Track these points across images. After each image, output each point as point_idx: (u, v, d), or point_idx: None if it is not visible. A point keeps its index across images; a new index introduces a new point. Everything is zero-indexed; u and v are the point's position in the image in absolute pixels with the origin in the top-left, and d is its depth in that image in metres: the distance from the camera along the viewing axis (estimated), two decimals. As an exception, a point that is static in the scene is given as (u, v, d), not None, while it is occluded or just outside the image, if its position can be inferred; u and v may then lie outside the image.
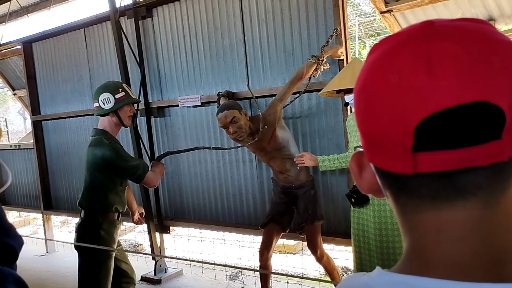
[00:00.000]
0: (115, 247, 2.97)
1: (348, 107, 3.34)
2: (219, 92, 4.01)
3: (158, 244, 4.79)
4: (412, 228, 0.48)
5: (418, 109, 0.42)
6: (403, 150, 0.44)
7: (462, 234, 0.45)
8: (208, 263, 4.30)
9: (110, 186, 2.89)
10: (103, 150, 2.80)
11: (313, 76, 3.39)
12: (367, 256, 2.81)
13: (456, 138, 0.42)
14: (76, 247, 2.90)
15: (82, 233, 2.89)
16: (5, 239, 0.76)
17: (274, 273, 3.76)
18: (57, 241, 5.81)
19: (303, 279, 4.20)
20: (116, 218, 2.96)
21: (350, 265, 4.41)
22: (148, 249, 5.91)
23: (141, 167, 2.91)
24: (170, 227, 4.87)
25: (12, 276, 0.62)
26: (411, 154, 0.43)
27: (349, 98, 2.85)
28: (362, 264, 2.86)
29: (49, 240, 5.91)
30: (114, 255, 2.95)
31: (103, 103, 2.89)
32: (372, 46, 0.51)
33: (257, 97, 3.74)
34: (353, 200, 2.80)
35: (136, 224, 3.60)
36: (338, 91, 3.05)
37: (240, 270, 4.70)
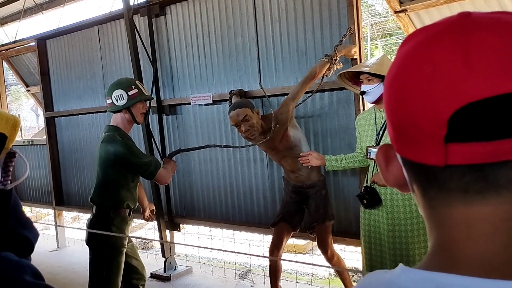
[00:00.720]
0: (126, 244, 2.99)
1: (361, 102, 3.33)
2: (231, 91, 4.00)
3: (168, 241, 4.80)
4: (440, 223, 0.47)
5: (452, 99, 0.41)
6: (435, 141, 0.43)
7: (493, 229, 0.43)
8: (224, 250, 4.29)
9: (122, 182, 2.91)
10: (115, 147, 2.81)
11: (326, 76, 3.37)
12: (379, 258, 2.79)
13: (490, 129, 0.41)
14: (88, 243, 2.92)
15: (93, 228, 2.90)
16: (21, 231, 0.76)
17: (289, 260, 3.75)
18: (68, 227, 5.85)
19: (312, 279, 4.18)
20: (127, 214, 2.97)
21: (360, 266, 4.39)
22: (157, 246, 5.93)
23: (153, 164, 2.91)
24: (180, 225, 4.87)
25: (29, 268, 0.62)
26: (443, 145, 0.42)
27: (367, 87, 2.79)
28: (373, 266, 2.83)
29: (61, 234, 5.96)
30: (125, 251, 2.96)
31: (116, 100, 2.90)
32: (404, 38, 0.51)
33: (269, 96, 3.73)
34: (365, 201, 2.78)
35: (147, 221, 3.61)
36: (354, 82, 3.03)
37: (250, 269, 4.70)
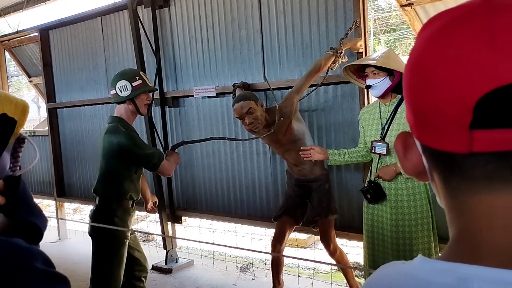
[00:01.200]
0: (129, 235, 2.98)
1: (366, 96, 3.31)
2: (235, 83, 3.99)
3: (170, 235, 4.79)
4: (462, 212, 0.46)
5: (478, 84, 0.39)
6: (459, 128, 0.41)
7: None
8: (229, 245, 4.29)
9: (125, 173, 2.90)
10: (119, 138, 2.80)
11: (331, 69, 3.34)
12: (381, 253, 2.78)
13: None
14: (91, 234, 2.91)
15: (96, 220, 2.89)
16: (30, 218, 0.75)
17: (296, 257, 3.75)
18: (70, 220, 5.86)
19: (314, 273, 4.18)
20: (130, 206, 2.96)
21: (362, 260, 4.39)
22: (158, 239, 5.93)
23: (157, 156, 2.90)
24: (182, 218, 4.87)
25: (40, 255, 0.61)
26: (467, 132, 0.41)
27: (373, 81, 2.75)
28: (375, 261, 2.82)
29: (62, 225, 5.96)
30: (127, 242, 2.95)
31: (120, 91, 2.88)
32: (425, 22, 0.49)
33: (273, 89, 3.71)
34: (369, 196, 2.76)
35: (149, 212, 3.60)
36: (359, 76, 3.00)
37: (251, 262, 4.70)
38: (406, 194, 2.69)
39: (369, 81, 2.78)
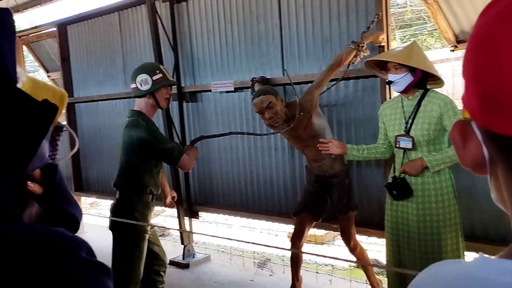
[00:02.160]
0: (149, 229, 2.97)
1: (387, 91, 3.26)
2: (253, 78, 3.95)
3: (187, 229, 4.79)
4: None
5: None
6: None
7: None
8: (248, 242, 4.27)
9: (145, 168, 2.88)
10: (139, 132, 2.79)
11: (352, 63, 3.29)
12: (407, 251, 2.72)
13: None
14: (111, 228, 2.91)
15: (116, 214, 2.89)
16: (67, 207, 0.73)
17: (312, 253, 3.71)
18: (90, 214, 5.88)
19: (332, 270, 4.15)
20: (150, 200, 2.96)
21: (381, 257, 4.34)
22: (174, 234, 5.94)
23: (177, 150, 2.89)
24: (199, 213, 4.86)
25: (84, 244, 0.59)
26: None
27: (394, 77, 2.69)
28: (401, 259, 2.77)
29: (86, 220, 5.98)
30: (147, 237, 2.94)
31: (140, 84, 2.87)
32: (491, 1, 0.46)
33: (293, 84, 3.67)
34: (394, 192, 2.70)
35: (168, 207, 3.60)
36: (381, 69, 2.95)
37: (268, 258, 4.68)
38: (433, 188, 2.63)
39: (390, 77, 2.71)
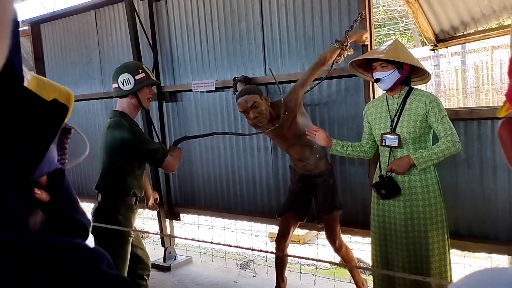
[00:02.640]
0: (132, 233, 2.90)
1: (371, 90, 3.26)
2: (235, 77, 3.91)
3: (168, 232, 4.72)
4: None
5: None
6: None
7: None
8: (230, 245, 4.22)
9: (129, 169, 2.81)
10: (122, 133, 2.71)
11: (336, 62, 3.29)
12: (394, 250, 2.72)
13: None
14: (93, 232, 2.82)
15: (99, 217, 2.81)
16: (76, 215, 0.67)
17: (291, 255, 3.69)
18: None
19: (316, 270, 4.13)
20: (133, 203, 2.88)
21: (365, 256, 4.35)
22: (154, 236, 5.84)
23: (161, 151, 2.82)
24: (180, 214, 4.79)
25: (105, 256, 0.54)
26: None
27: (381, 74, 2.68)
28: (388, 258, 2.77)
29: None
30: (131, 240, 2.87)
31: (123, 84, 2.79)
32: None
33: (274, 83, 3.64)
34: (383, 191, 2.70)
35: (150, 209, 3.53)
36: (365, 69, 2.94)
37: (251, 259, 4.64)
38: (420, 186, 2.64)
39: (377, 74, 2.70)
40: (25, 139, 0.56)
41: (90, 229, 0.68)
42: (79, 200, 0.72)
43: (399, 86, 2.73)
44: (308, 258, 2.83)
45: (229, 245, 3.27)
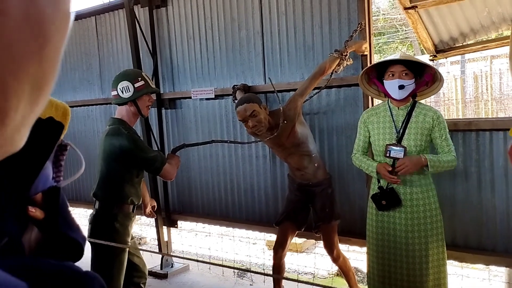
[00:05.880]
0: (129, 240, 2.89)
1: (370, 100, 3.26)
2: (235, 85, 3.91)
3: (165, 239, 4.70)
4: None
5: None
6: None
7: None
8: (214, 263, 4.21)
9: (127, 177, 2.80)
10: (121, 140, 2.71)
11: (335, 72, 3.30)
12: (392, 262, 2.70)
13: None
14: (90, 241, 2.81)
15: (96, 225, 2.80)
16: (70, 233, 0.67)
17: (286, 278, 3.68)
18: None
19: (313, 279, 4.12)
20: (131, 211, 2.87)
21: (362, 266, 4.34)
22: (151, 243, 5.83)
23: (159, 159, 2.82)
24: (178, 222, 4.77)
25: (97, 280, 0.53)
26: None
27: (406, 82, 2.63)
28: (385, 271, 2.75)
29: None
30: (127, 248, 2.86)
31: (122, 92, 2.79)
32: None
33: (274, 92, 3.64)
34: (384, 202, 2.68)
35: (148, 217, 3.52)
36: (369, 82, 2.92)
37: (248, 267, 4.62)
38: (421, 198, 2.63)
39: (401, 82, 2.63)
40: (19, 157, 0.56)
41: (85, 246, 0.67)
42: (73, 217, 0.71)
43: (408, 97, 2.72)
44: (303, 281, 2.81)
45: (238, 267, 3.26)
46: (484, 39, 4.04)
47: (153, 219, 4.54)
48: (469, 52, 4.36)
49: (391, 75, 2.67)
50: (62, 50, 0.32)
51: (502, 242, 3.06)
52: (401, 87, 2.64)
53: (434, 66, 2.83)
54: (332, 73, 3.29)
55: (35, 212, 0.62)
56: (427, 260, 2.60)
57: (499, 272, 4.25)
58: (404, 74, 2.64)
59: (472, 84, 11.12)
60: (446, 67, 11.47)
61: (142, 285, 3.11)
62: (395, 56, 2.72)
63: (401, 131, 2.68)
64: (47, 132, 0.58)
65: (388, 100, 2.80)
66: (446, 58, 4.28)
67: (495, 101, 10.79)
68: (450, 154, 2.62)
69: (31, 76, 0.29)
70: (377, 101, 3.44)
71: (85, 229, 2.96)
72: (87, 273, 0.52)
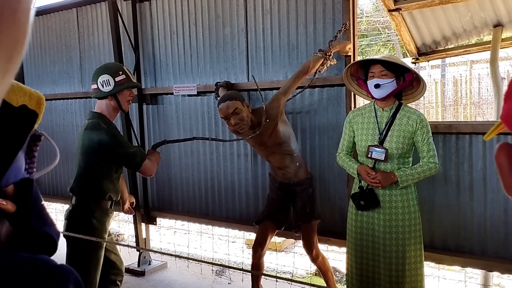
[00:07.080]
0: (106, 237, 2.84)
1: (352, 101, 3.26)
2: (218, 82, 3.88)
3: (144, 236, 4.64)
4: None
5: None
6: None
7: None
8: (194, 259, 4.18)
9: (105, 173, 2.75)
10: (100, 135, 2.66)
11: (319, 71, 3.29)
12: (371, 262, 2.72)
13: None
14: (65, 236, 2.75)
15: (73, 221, 2.74)
16: (43, 228, 0.64)
17: (265, 274, 3.67)
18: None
19: (292, 278, 4.11)
20: (109, 207, 2.82)
21: (340, 266, 4.35)
22: (129, 240, 5.76)
23: (139, 155, 2.77)
24: (157, 219, 4.72)
25: (72, 274, 0.51)
26: None
27: (382, 81, 2.64)
28: (363, 270, 2.76)
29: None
30: (105, 245, 2.81)
31: (102, 86, 2.74)
32: None
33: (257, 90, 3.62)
34: (362, 203, 2.69)
35: (126, 213, 3.46)
36: (357, 78, 2.92)
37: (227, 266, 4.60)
38: (400, 200, 2.65)
39: (378, 81, 2.65)
40: None
41: (58, 241, 0.64)
42: (47, 211, 0.68)
43: (392, 99, 2.72)
44: (282, 278, 2.80)
45: (217, 265, 3.23)
46: (466, 44, 4.09)
47: (132, 215, 4.48)
48: (451, 56, 4.41)
49: (371, 76, 2.71)
50: (32, 16, 0.30)
51: (479, 245, 3.10)
52: (376, 86, 2.67)
53: (415, 69, 2.83)
54: (315, 72, 3.28)
55: (6, 205, 0.59)
56: (404, 262, 2.62)
57: (474, 274, 4.31)
58: (382, 75, 2.66)
59: (452, 88, 11.28)
60: (427, 70, 11.61)
61: (119, 283, 3.07)
62: (376, 56, 2.74)
63: (384, 133, 2.68)
64: (20, 121, 0.55)
65: (374, 102, 2.80)
66: (428, 61, 4.32)
67: (473, 105, 10.96)
68: (429, 161, 2.62)
69: (3, 44, 0.26)
70: (359, 102, 3.45)
71: (61, 224, 2.90)
72: (62, 266, 0.50)
